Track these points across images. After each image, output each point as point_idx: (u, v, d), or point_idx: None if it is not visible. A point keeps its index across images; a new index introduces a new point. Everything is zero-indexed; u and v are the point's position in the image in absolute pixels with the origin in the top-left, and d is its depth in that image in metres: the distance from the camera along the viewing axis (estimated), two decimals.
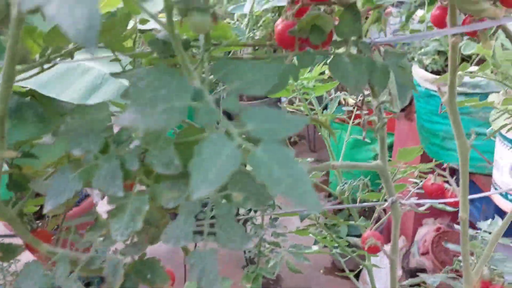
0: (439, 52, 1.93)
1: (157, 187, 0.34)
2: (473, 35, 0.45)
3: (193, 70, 0.33)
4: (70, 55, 0.42)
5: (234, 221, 0.32)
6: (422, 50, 1.86)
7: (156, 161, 0.32)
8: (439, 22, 0.47)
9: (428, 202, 0.55)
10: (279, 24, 0.42)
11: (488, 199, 1.62)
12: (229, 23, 1.96)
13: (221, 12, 0.31)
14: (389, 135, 2.35)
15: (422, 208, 0.56)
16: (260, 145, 0.24)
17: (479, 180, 1.61)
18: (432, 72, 1.67)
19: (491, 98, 1.47)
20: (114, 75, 0.40)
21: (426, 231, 2.16)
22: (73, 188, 0.32)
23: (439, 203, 0.54)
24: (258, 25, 2.09)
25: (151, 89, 0.26)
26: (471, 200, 2.02)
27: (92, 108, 0.36)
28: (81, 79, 0.79)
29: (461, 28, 0.43)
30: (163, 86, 0.26)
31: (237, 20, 2.20)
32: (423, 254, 2.07)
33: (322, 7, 0.43)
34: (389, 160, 2.03)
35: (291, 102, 0.70)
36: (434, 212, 2.09)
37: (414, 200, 0.52)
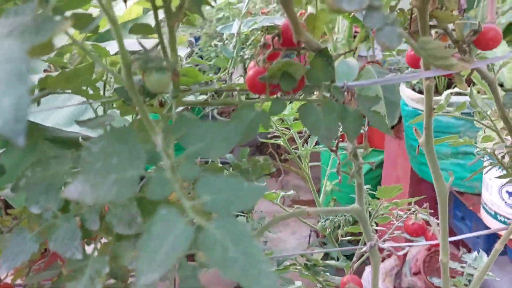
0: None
1: (119, 246, 0.32)
2: (449, 76, 0.45)
3: (154, 124, 0.32)
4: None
5: (199, 283, 0.31)
6: (409, 69, 1.86)
7: (116, 221, 0.31)
8: (414, 63, 0.46)
9: (406, 245, 0.54)
10: (251, 69, 0.42)
11: (478, 218, 1.62)
12: (217, 44, 1.96)
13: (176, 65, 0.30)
14: (379, 152, 2.35)
15: (401, 253, 0.55)
16: (214, 220, 0.22)
17: (469, 199, 1.60)
18: (420, 91, 1.67)
19: None
20: (79, 123, 0.39)
21: (418, 250, 2.15)
22: (29, 250, 0.31)
23: (420, 245, 0.53)
24: (248, 43, 2.09)
25: (103, 156, 0.25)
26: (462, 218, 2.02)
27: (54, 161, 0.35)
28: (66, 104, 0.78)
29: (435, 71, 0.43)
30: (115, 153, 0.25)
31: (226, 39, 2.21)
32: (415, 274, 2.05)
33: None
34: (379, 175, 2.01)
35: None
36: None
37: (392, 244, 0.50)
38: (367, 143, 0.43)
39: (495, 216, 1.42)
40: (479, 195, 1.47)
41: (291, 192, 0.67)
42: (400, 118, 1.93)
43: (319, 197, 2.09)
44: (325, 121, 0.38)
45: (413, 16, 0.41)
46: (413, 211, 0.57)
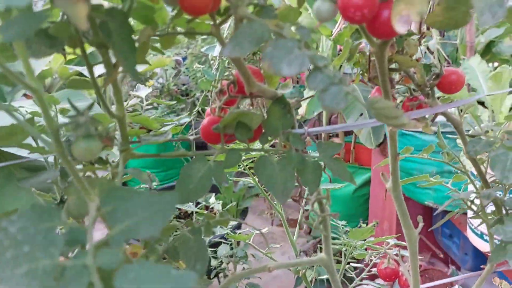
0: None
1: None
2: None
3: (91, 189, 0.29)
4: None
5: None
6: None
7: None
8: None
9: None
10: (206, 118, 0.40)
11: (465, 236, 1.60)
12: (199, 67, 1.95)
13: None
14: (366, 170, 2.34)
15: None
16: None
17: (456, 218, 1.59)
18: None
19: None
20: (25, 182, 0.37)
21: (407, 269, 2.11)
22: None
23: None
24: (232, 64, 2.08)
25: (15, 243, 0.22)
26: (450, 236, 1.99)
27: None
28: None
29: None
30: (28, 238, 0.22)
31: (212, 59, 2.20)
32: None
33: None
34: (367, 193, 1.99)
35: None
36: None
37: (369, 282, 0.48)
38: (329, 194, 0.41)
39: (481, 236, 1.41)
40: (466, 213, 1.45)
41: (265, 229, 0.65)
42: (385, 136, 1.93)
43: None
44: (281, 176, 0.36)
45: (373, 60, 0.40)
46: (392, 252, 0.55)
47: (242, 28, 0.28)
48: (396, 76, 0.44)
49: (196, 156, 0.37)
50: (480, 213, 0.43)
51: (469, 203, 0.42)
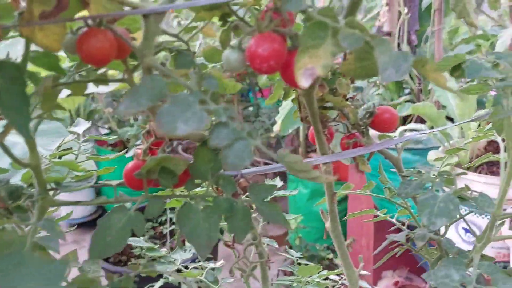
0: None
1: None
2: (353, 159, 0.42)
3: None
4: None
5: None
6: (365, 105, 1.87)
7: None
8: (313, 138, 0.44)
9: None
10: (130, 163, 0.38)
11: None
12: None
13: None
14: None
15: None
16: None
17: None
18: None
19: (431, 155, 1.48)
20: None
21: (385, 285, 2.11)
22: None
23: None
24: None
25: None
26: None
27: None
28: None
29: (336, 155, 0.40)
30: None
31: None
32: None
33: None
34: (345, 209, 1.98)
35: None
36: (391, 264, 2.06)
37: None
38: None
39: None
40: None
41: (219, 263, 0.63)
42: None
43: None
44: (205, 226, 0.34)
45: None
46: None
47: (142, 82, 0.26)
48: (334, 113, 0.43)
49: (121, 200, 0.36)
50: (422, 250, 0.42)
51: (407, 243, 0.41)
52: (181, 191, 0.38)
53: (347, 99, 0.40)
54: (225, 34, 0.35)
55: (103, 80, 0.31)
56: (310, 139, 0.43)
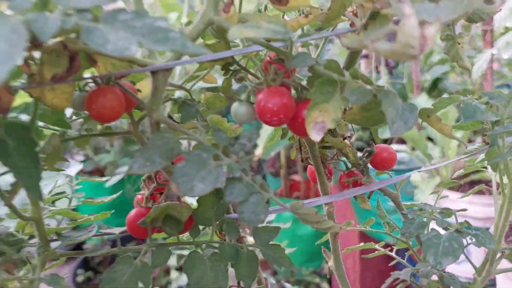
0: (363, 128, 1.99)
1: None
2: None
3: None
4: None
5: None
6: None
7: None
8: (313, 178, 0.44)
9: None
10: (132, 210, 0.38)
11: None
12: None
13: None
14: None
15: None
16: None
17: (420, 253, 1.60)
18: (358, 149, 1.70)
19: (413, 177, 1.51)
20: None
21: None
22: None
23: None
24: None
25: None
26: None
27: None
28: None
29: (337, 195, 0.41)
30: None
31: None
32: None
33: None
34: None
35: None
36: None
37: None
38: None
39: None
40: None
41: None
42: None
43: None
44: (212, 275, 0.34)
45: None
46: None
47: (152, 140, 0.26)
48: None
49: (125, 252, 0.35)
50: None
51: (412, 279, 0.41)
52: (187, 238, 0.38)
53: (344, 138, 0.41)
54: (227, 82, 0.35)
55: (109, 133, 0.31)
56: (310, 178, 0.44)
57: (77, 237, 0.37)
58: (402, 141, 1.74)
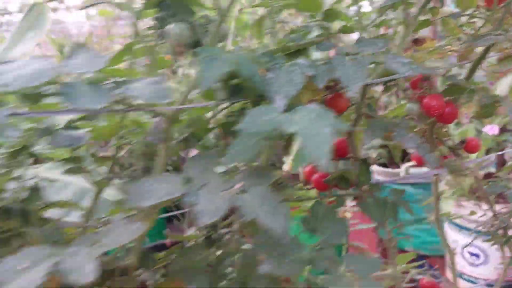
0: (383, 146, 2.18)
1: None
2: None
3: None
4: None
5: None
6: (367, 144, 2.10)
7: None
8: (419, 162, 0.64)
9: None
10: (316, 173, 0.58)
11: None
12: None
13: None
14: None
15: None
16: None
17: (434, 262, 1.74)
18: (382, 164, 1.88)
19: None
20: None
21: None
22: None
23: None
24: None
25: None
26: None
27: None
28: (60, 194, 0.72)
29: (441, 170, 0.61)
30: None
31: None
32: None
33: None
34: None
35: None
36: None
37: None
38: None
39: (460, 275, 1.55)
40: (443, 257, 1.56)
41: None
42: None
43: None
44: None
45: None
46: None
47: (372, 122, 0.47)
48: None
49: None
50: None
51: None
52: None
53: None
54: None
55: None
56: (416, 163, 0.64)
57: None
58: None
